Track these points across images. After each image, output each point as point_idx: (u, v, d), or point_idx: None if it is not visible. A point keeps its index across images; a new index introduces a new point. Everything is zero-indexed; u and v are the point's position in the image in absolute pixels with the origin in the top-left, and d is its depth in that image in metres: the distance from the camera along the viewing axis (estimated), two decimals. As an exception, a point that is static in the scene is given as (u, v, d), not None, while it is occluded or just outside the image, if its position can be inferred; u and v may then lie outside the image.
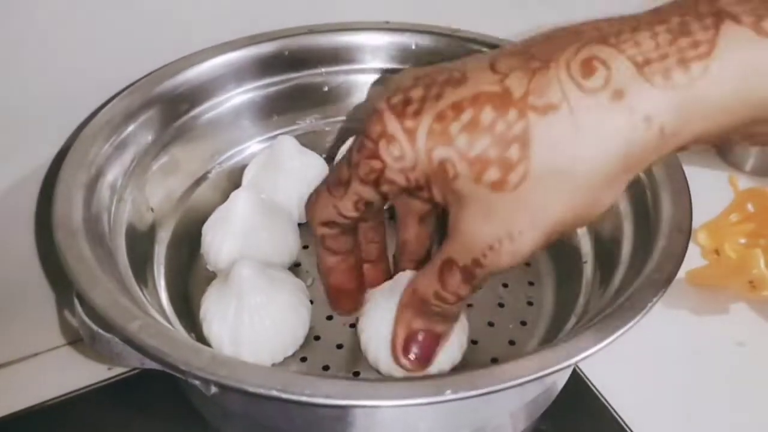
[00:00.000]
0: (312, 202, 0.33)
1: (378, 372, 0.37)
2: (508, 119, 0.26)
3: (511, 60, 0.27)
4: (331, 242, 0.33)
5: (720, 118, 0.26)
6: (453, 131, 0.27)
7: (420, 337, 0.33)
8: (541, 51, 0.27)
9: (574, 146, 0.26)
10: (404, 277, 0.36)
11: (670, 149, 0.27)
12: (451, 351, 0.36)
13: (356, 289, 0.37)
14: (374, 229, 0.37)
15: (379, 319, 0.36)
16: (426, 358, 0.33)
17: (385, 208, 0.34)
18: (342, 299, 0.37)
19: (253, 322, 0.37)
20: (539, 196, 0.27)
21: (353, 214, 0.31)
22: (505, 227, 0.28)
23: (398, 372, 0.35)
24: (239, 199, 0.41)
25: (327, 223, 0.32)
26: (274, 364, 0.38)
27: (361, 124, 0.30)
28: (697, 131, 0.26)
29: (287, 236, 0.43)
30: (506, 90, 0.27)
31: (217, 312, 0.38)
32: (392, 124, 0.28)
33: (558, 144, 0.26)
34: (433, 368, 0.34)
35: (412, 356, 0.33)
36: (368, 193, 0.30)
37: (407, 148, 0.28)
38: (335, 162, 0.34)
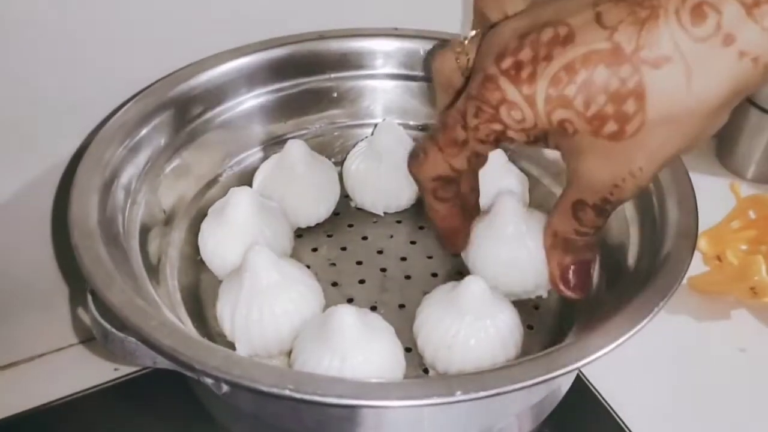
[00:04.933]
0: (420, 161, 0.35)
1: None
2: (621, 75, 0.28)
3: (618, 10, 0.28)
4: (442, 192, 0.36)
5: None
6: (569, 93, 0.29)
7: (573, 269, 0.36)
8: None
9: (687, 94, 0.27)
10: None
11: None
12: (389, 365, 0.36)
13: (466, 227, 0.41)
14: (474, 176, 0.39)
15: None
16: (584, 284, 0.37)
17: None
18: (456, 239, 0.41)
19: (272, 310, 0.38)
20: (655, 140, 0.29)
21: (465, 167, 0.34)
22: (627, 167, 0.30)
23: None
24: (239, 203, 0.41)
25: (438, 178, 0.35)
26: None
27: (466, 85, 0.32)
28: None
29: (284, 231, 0.43)
30: (617, 46, 0.28)
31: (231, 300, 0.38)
32: (511, 91, 0.30)
33: (672, 94, 0.28)
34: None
35: (572, 286, 0.36)
36: (485, 149, 0.33)
37: (527, 112, 0.30)
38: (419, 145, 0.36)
